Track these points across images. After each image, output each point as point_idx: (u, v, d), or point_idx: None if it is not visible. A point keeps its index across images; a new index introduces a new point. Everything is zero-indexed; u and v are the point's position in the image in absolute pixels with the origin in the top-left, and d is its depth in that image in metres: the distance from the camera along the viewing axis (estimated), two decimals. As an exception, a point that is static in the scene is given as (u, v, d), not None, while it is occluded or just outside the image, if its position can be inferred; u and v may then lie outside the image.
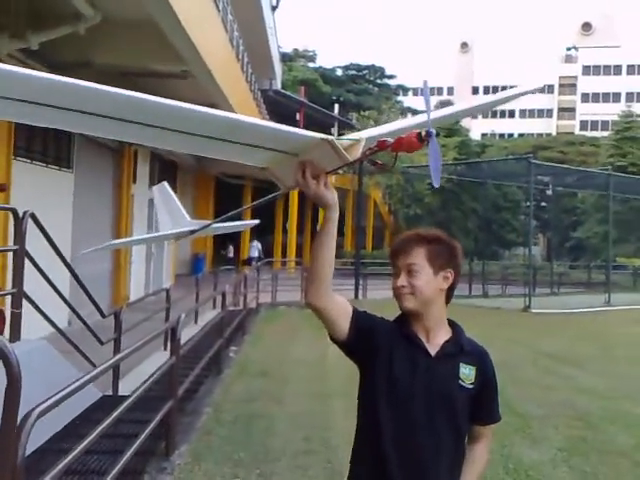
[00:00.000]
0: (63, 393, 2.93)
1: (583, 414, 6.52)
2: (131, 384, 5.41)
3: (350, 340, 1.92)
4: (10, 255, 5.87)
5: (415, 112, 44.77)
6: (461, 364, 1.94)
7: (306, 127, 2.53)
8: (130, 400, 4.00)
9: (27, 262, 5.41)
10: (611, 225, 23.22)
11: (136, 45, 10.52)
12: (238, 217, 4.21)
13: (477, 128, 63.45)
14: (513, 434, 5.66)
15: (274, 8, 25.76)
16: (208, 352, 7.48)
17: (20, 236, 5.28)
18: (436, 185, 1.85)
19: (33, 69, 1.41)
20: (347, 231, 34.31)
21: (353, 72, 58.97)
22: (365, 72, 59.66)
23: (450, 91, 77.66)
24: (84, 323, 6.63)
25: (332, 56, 68.82)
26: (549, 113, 77.87)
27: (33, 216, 5.37)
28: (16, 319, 5.24)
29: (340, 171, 2.10)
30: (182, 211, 3.61)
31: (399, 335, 1.95)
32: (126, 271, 15.59)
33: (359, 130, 2.17)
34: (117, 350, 6.44)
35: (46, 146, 11.31)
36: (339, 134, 26.64)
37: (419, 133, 1.76)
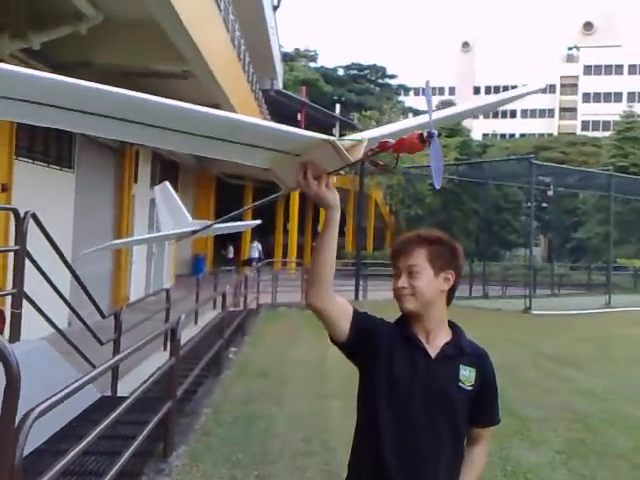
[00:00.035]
0: (62, 394, 2.93)
1: (582, 416, 6.49)
2: (130, 385, 5.39)
3: (350, 341, 1.92)
4: (11, 255, 5.86)
5: (416, 112, 44.80)
6: (461, 366, 1.93)
7: (307, 127, 2.53)
8: (128, 402, 3.99)
9: (28, 262, 5.41)
10: (612, 226, 23.19)
11: (137, 45, 10.53)
12: (239, 217, 4.20)
13: (478, 128, 63.44)
14: (512, 436, 5.63)
15: (275, 8, 25.75)
16: (208, 353, 7.46)
17: (21, 236, 5.28)
18: (437, 186, 1.83)
19: (35, 69, 1.41)
20: (348, 232, 34.28)
21: (354, 72, 59.01)
22: (366, 72, 59.69)
23: (451, 91, 77.62)
24: (84, 323, 6.62)
25: (333, 56, 69.01)
26: (550, 113, 77.76)
27: (34, 216, 5.37)
28: (16, 319, 5.24)
29: (341, 172, 2.09)
30: (184, 211, 3.59)
31: (399, 336, 1.94)
32: (126, 271, 15.58)
33: (360, 130, 2.17)
34: (117, 351, 6.43)
35: (47, 146, 11.31)
36: (340, 134, 26.66)
37: (421, 134, 1.74)
